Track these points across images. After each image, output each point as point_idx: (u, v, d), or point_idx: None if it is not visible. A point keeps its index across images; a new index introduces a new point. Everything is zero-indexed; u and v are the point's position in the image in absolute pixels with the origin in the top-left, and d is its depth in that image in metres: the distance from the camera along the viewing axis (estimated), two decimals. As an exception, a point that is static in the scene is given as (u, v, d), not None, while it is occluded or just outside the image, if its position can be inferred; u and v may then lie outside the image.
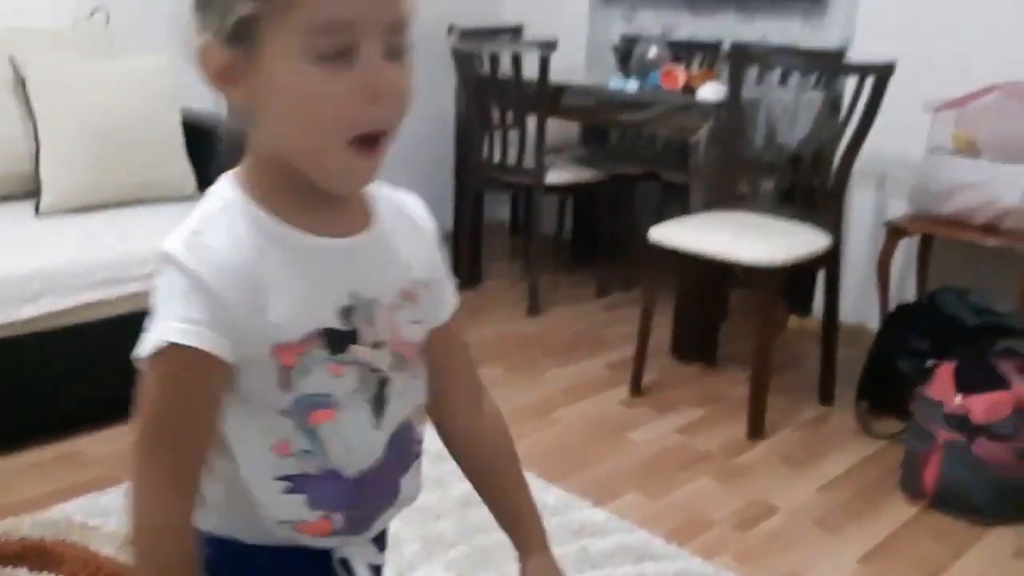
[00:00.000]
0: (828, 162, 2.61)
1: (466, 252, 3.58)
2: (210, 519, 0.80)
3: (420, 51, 3.44)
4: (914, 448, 2.20)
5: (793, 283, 2.99)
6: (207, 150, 2.66)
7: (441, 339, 0.87)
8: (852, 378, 2.63)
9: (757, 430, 2.45)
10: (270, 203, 0.75)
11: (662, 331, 2.83)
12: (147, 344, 0.72)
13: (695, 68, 3.32)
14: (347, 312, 0.76)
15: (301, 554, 0.81)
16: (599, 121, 3.56)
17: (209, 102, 0.92)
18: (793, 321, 3.27)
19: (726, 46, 3.44)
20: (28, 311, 2.10)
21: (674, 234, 2.54)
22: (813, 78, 2.89)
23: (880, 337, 2.61)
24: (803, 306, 3.29)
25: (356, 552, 0.83)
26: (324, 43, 0.68)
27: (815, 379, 2.70)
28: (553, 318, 3.33)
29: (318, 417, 0.75)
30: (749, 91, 2.77)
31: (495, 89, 3.32)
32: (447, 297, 0.89)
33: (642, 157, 3.67)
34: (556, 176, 3.35)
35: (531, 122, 3.26)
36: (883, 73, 2.42)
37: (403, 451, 0.83)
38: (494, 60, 3.29)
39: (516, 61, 3.18)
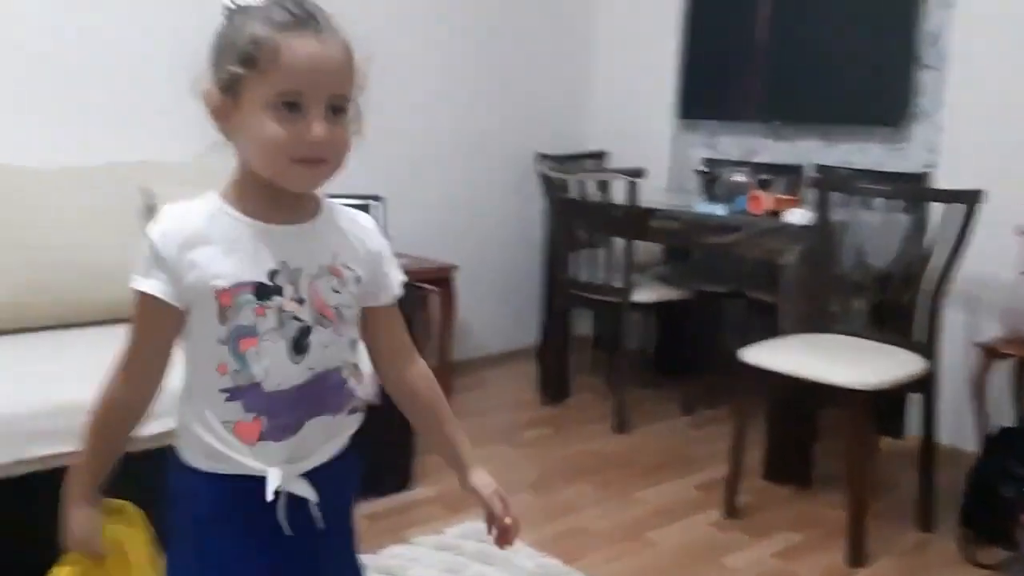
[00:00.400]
0: (917, 281, 2.63)
1: (553, 368, 3.66)
2: (186, 449, 1.11)
3: (511, 178, 3.66)
4: (1024, 580, 2.14)
5: (884, 404, 2.97)
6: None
7: (379, 316, 1.20)
8: (950, 503, 2.58)
9: (858, 558, 2.41)
10: (238, 202, 1.08)
11: (752, 451, 2.82)
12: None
13: (777, 191, 3.40)
14: (273, 273, 1.07)
15: (245, 484, 1.08)
16: (687, 243, 3.63)
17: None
18: (884, 442, 3.23)
19: (807, 169, 3.52)
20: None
21: (766, 356, 2.57)
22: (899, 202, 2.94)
23: (980, 462, 2.57)
24: (894, 428, 3.25)
25: (281, 478, 1.08)
26: (281, 102, 1.00)
27: (911, 503, 2.66)
28: (640, 435, 3.35)
29: (245, 344, 1.06)
30: (835, 213, 2.83)
31: (582, 212, 3.45)
32: (388, 289, 1.20)
33: (726, 275, 3.73)
34: (643, 295, 3.42)
35: (616, 241, 3.37)
36: (972, 200, 2.46)
37: (332, 392, 1.13)
38: (582, 185, 3.44)
39: (604, 187, 3.31)
